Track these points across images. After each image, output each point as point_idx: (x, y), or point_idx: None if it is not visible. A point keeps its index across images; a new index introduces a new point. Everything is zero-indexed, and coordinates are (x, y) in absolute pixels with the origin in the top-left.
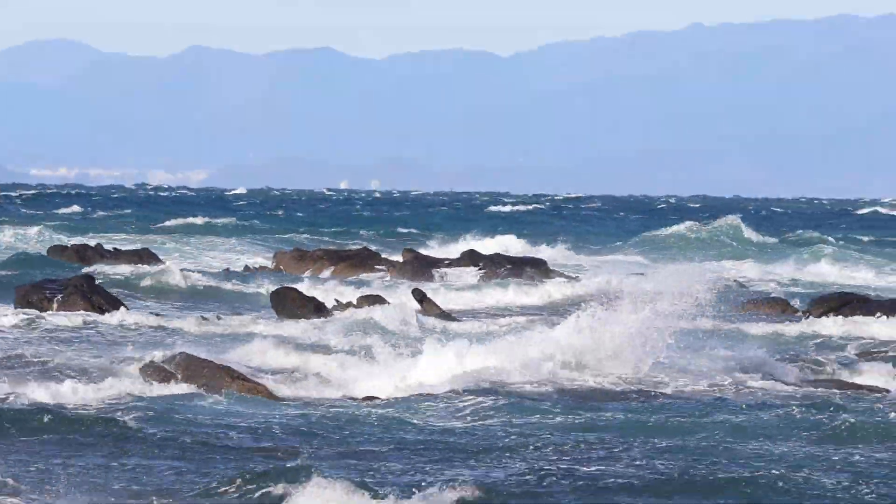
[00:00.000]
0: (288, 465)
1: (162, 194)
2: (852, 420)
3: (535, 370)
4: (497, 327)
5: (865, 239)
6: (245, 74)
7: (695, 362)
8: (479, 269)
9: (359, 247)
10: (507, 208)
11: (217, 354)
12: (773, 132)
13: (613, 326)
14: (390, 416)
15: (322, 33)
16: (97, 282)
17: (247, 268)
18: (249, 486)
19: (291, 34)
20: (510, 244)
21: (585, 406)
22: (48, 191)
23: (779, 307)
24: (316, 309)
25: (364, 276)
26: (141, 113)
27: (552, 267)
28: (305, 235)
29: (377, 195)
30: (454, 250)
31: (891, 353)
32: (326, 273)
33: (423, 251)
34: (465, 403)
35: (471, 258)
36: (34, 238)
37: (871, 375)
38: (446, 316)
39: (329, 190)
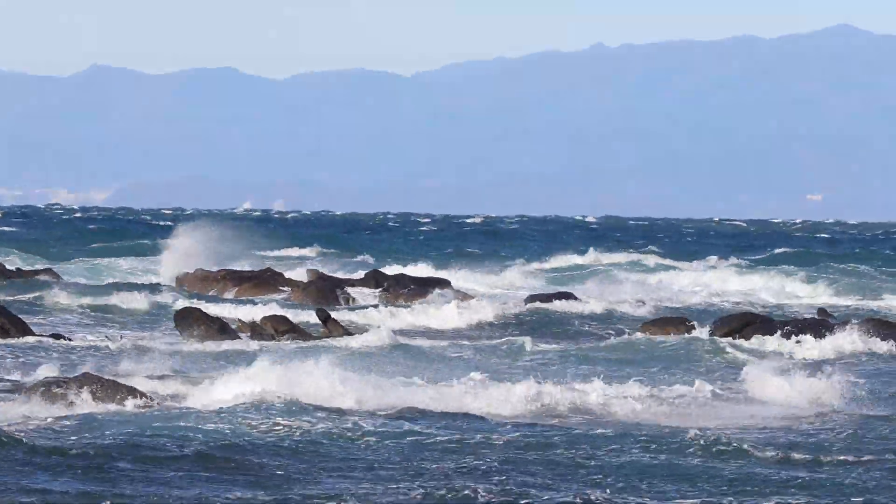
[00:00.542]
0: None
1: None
2: None
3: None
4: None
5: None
6: (147, 93)
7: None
8: (383, 289)
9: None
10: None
11: (119, 374)
12: (673, 152)
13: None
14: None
15: (224, 53)
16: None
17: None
18: None
19: (194, 54)
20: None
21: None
22: None
23: (683, 327)
24: (220, 329)
25: (269, 296)
26: (42, 132)
27: (456, 287)
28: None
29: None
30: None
31: None
32: (230, 294)
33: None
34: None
35: (375, 279)
36: None
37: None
38: (350, 336)
39: (246, 209)
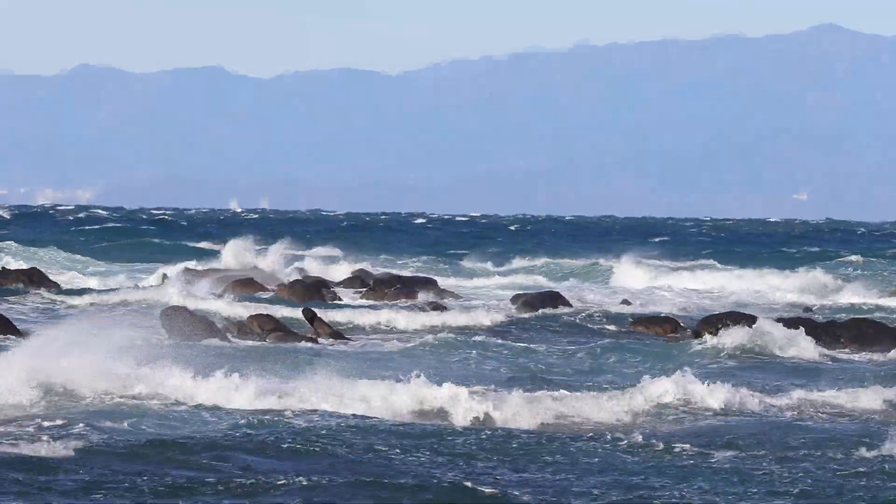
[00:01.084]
0: None
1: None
2: None
3: None
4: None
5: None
6: (132, 93)
7: None
8: (369, 289)
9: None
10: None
11: None
12: (657, 150)
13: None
14: None
15: (210, 52)
16: None
17: (136, 286)
18: None
19: (179, 53)
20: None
21: None
22: None
23: (668, 326)
24: (206, 328)
25: (257, 294)
26: (27, 131)
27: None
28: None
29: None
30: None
31: None
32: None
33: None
34: None
35: (361, 278)
36: None
37: None
38: (337, 335)
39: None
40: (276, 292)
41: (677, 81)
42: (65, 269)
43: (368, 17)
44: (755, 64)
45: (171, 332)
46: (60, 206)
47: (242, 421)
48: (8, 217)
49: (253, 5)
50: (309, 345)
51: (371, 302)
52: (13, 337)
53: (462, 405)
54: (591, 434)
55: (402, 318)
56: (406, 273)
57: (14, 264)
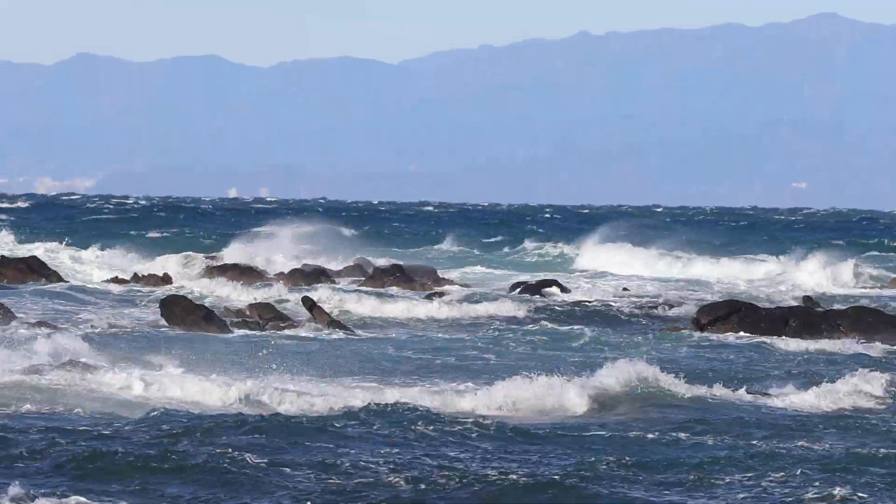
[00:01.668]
0: None
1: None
2: None
3: None
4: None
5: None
6: (132, 81)
7: None
8: (368, 277)
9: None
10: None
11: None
12: (658, 139)
13: None
14: None
15: (209, 40)
16: None
17: (135, 276)
18: None
19: (178, 41)
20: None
21: None
22: None
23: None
24: (205, 316)
25: (257, 284)
26: (27, 120)
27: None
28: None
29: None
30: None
31: None
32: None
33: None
34: None
35: (361, 266)
36: None
37: None
38: (337, 324)
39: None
40: (275, 280)
41: (676, 70)
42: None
43: (368, 6)
44: (754, 52)
45: (170, 320)
46: (67, 194)
47: None
48: (25, 206)
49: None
50: (308, 334)
51: (368, 289)
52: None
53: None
54: None
55: (398, 307)
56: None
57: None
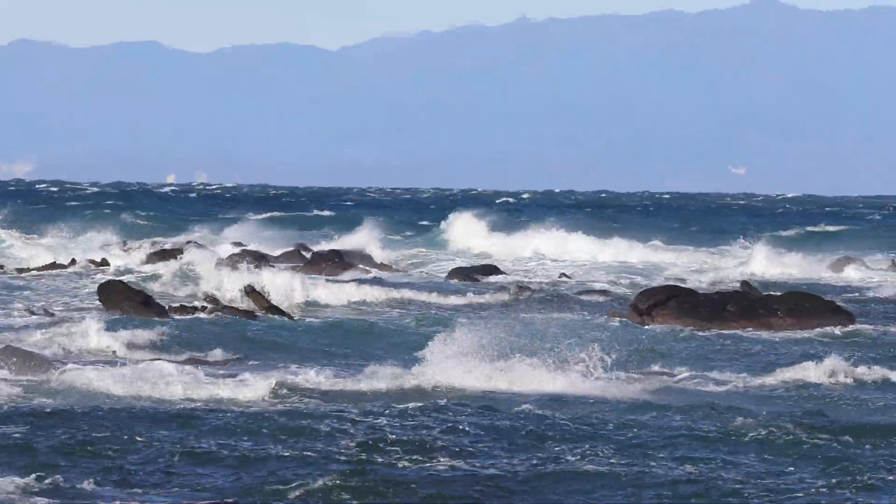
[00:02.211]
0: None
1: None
2: None
3: None
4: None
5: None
6: (71, 67)
7: None
8: (307, 262)
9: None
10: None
11: (42, 347)
12: (598, 126)
13: None
14: None
15: (149, 26)
16: None
17: (73, 261)
18: None
19: (118, 27)
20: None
21: None
22: None
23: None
24: (143, 302)
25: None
26: None
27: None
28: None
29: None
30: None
31: None
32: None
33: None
34: None
35: (300, 252)
36: None
37: None
38: (275, 309)
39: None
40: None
41: (617, 57)
42: None
43: None
44: (692, 40)
45: (107, 305)
46: (14, 181)
47: None
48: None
49: None
50: (247, 320)
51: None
52: None
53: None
54: None
55: (330, 291)
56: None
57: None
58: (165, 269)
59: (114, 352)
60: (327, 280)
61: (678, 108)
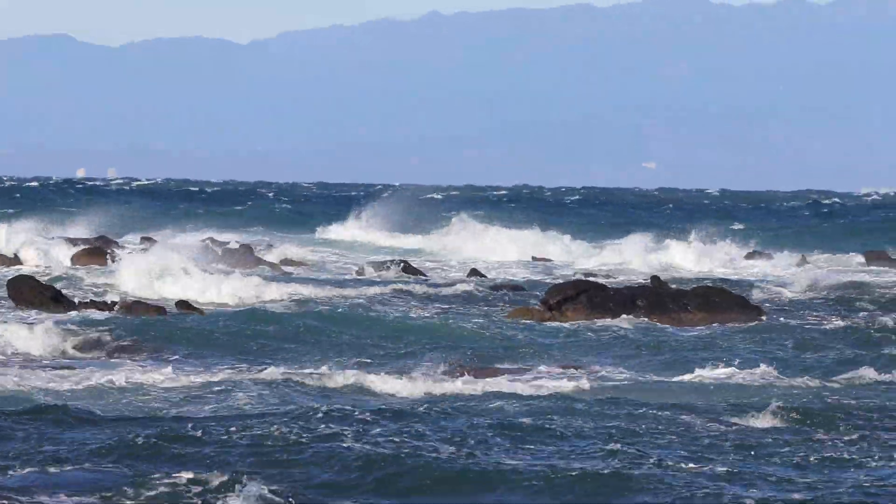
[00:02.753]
0: None
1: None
2: None
3: None
4: None
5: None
6: None
7: None
8: (219, 258)
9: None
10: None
11: None
12: (509, 121)
13: None
14: None
15: (59, 20)
16: None
17: None
18: None
19: (27, 21)
20: None
21: None
22: None
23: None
24: (53, 297)
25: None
26: None
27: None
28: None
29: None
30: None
31: None
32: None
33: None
34: None
35: (210, 247)
36: None
37: None
38: (185, 305)
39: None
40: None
41: (528, 51)
42: None
43: None
44: (605, 33)
45: (17, 300)
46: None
47: None
48: None
49: None
50: (157, 317)
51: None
52: None
53: None
54: None
55: (241, 286)
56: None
57: None
58: (87, 265)
59: None
60: (241, 273)
61: (588, 102)
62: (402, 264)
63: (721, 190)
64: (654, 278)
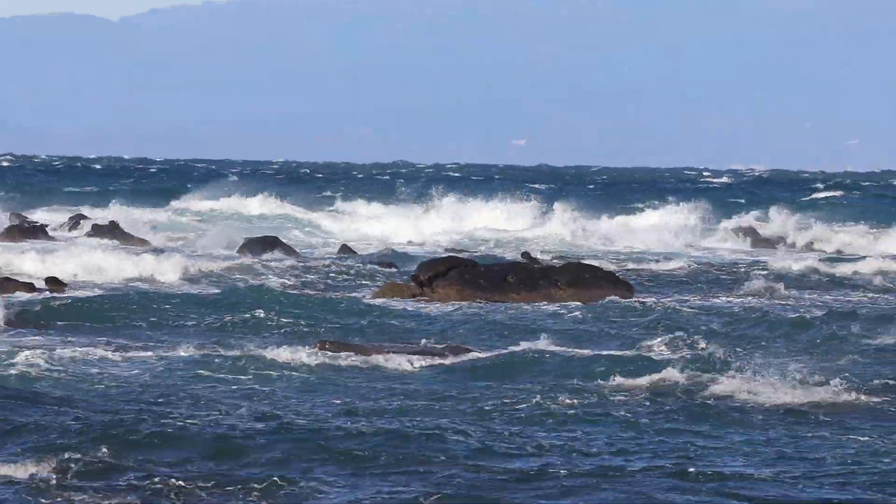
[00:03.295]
0: None
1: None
2: None
3: None
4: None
5: None
6: None
7: None
8: (88, 234)
9: None
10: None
11: None
12: (382, 101)
13: None
14: None
15: None
16: None
17: None
18: None
19: None
20: None
21: None
22: None
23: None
24: None
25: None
26: None
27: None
28: None
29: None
30: None
31: None
32: None
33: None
34: None
35: (78, 221)
36: None
37: None
38: (55, 282)
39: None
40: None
41: (399, 30)
42: None
43: None
44: (474, 11)
45: None
46: None
47: None
48: None
49: None
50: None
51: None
52: None
53: None
54: None
55: (111, 263)
56: None
57: None
58: None
59: None
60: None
61: (457, 79)
62: (271, 241)
63: (607, 167)
64: (525, 254)
